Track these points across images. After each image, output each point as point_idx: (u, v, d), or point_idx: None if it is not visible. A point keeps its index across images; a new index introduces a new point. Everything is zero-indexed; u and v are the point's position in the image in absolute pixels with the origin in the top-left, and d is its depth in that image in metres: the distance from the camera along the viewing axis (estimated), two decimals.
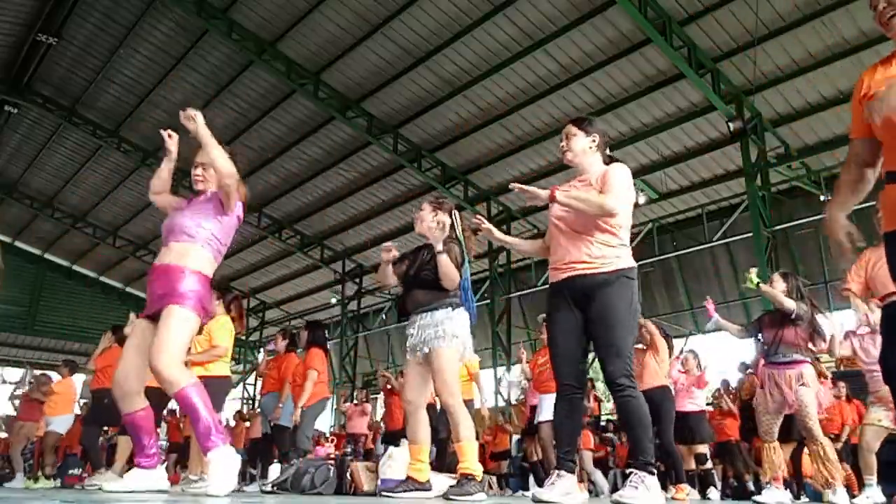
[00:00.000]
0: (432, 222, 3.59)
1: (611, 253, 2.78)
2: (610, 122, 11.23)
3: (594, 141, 2.97)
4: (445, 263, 3.37)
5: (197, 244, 2.87)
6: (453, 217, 3.63)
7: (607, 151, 3.03)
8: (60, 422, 7.69)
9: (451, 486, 3.28)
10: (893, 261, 1.90)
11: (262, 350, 21.21)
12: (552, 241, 2.96)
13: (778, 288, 4.65)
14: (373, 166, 13.94)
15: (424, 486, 3.38)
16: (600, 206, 2.74)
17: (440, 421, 6.56)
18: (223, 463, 2.60)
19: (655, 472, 2.69)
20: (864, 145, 2.02)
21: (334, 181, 14.64)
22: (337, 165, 14.07)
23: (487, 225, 3.10)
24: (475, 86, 11.27)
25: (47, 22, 12.36)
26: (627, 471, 2.76)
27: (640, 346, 6.20)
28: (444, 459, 7.01)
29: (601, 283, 2.75)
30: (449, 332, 3.34)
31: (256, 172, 14.96)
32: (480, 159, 13.02)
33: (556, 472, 2.82)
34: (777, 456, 4.68)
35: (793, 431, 5.69)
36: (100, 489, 2.98)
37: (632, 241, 10.92)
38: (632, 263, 2.84)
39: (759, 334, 4.77)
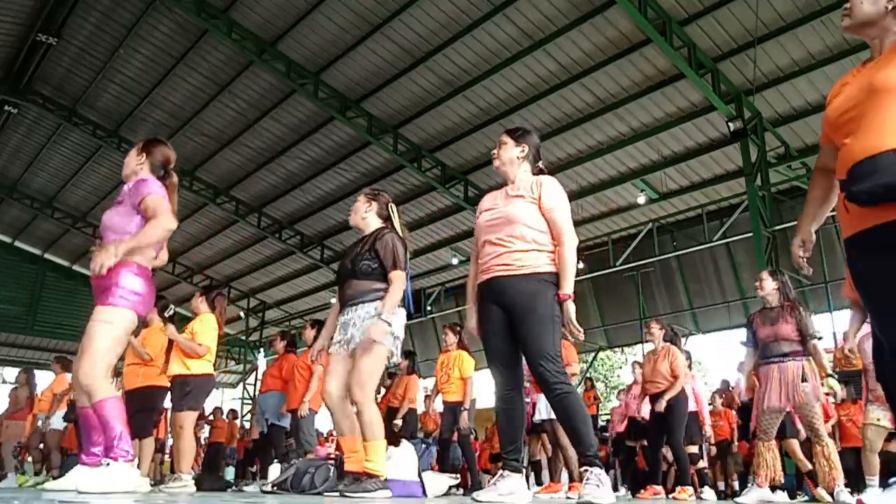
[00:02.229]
0: (365, 213, 3.57)
1: (526, 257, 2.82)
2: (610, 122, 11.25)
3: (523, 151, 3.02)
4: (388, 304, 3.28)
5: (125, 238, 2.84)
6: (391, 210, 3.58)
7: (539, 164, 3.08)
8: (58, 418, 7.65)
9: (350, 483, 3.23)
10: (852, 267, 1.93)
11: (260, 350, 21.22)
12: (480, 247, 3.00)
13: (768, 287, 4.76)
14: (373, 166, 13.94)
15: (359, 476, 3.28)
16: (574, 246, 2.87)
17: (444, 421, 6.59)
18: (115, 476, 2.63)
19: (602, 465, 2.72)
20: (829, 152, 2.07)
21: (334, 181, 14.64)
22: (337, 165, 14.06)
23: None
24: (475, 86, 11.27)
25: (47, 22, 12.36)
26: (581, 469, 2.75)
27: (651, 348, 6.21)
28: (447, 460, 7.03)
29: (517, 284, 2.79)
30: (391, 329, 3.24)
31: (256, 172, 14.99)
32: (480, 159, 13.01)
33: (500, 472, 2.85)
34: (773, 456, 4.68)
35: (787, 431, 5.71)
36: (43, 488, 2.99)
37: (631, 240, 10.95)
38: (551, 269, 2.85)
39: (753, 335, 4.80)
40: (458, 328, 6.72)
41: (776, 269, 5.03)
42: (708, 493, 6.00)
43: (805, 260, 2.18)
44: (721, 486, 8.31)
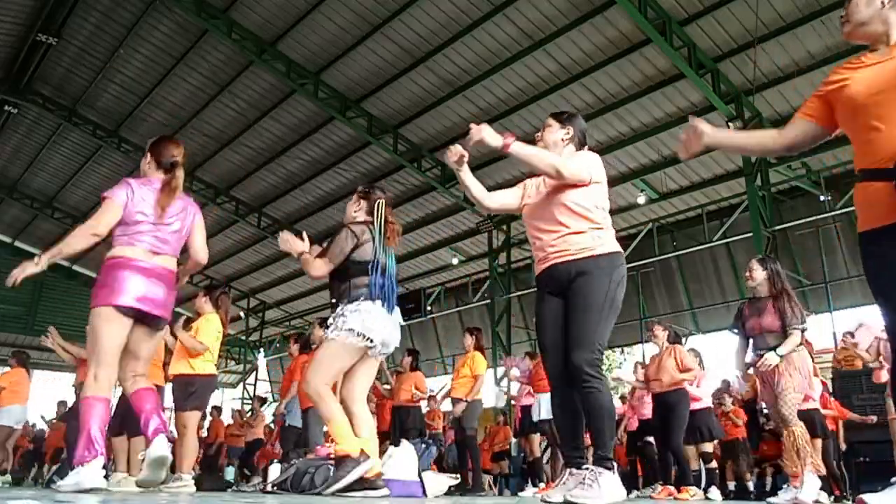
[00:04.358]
0: (354, 213, 3.54)
1: (584, 239, 2.74)
2: (610, 122, 11.24)
3: (568, 133, 2.95)
4: (305, 262, 3.41)
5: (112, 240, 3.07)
6: (376, 207, 3.51)
7: (585, 149, 2.99)
8: (9, 414, 7.58)
9: (328, 478, 3.19)
10: (867, 261, 1.88)
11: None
12: (531, 241, 2.96)
13: (758, 277, 4.53)
14: (373, 166, 13.94)
15: (375, 485, 3.19)
16: (552, 165, 2.68)
17: (459, 419, 6.73)
18: (83, 475, 2.76)
19: (613, 467, 2.60)
20: (803, 126, 2.07)
21: (334, 181, 14.64)
22: (337, 165, 14.06)
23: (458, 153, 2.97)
24: (475, 86, 11.27)
25: (47, 22, 12.36)
26: (584, 466, 2.64)
27: (656, 351, 6.22)
28: (464, 458, 7.08)
29: (575, 269, 2.71)
30: (346, 325, 3.23)
31: (256, 172, 14.99)
32: (480, 159, 12.98)
33: (567, 470, 2.71)
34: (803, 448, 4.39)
35: (816, 428, 5.68)
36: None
37: (631, 240, 10.94)
38: (611, 248, 2.77)
39: (742, 325, 4.59)
40: (475, 331, 6.96)
41: (765, 256, 4.84)
42: (714, 492, 6.01)
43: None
44: (732, 485, 8.29)
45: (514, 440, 12.06)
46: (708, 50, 9.60)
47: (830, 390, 7.89)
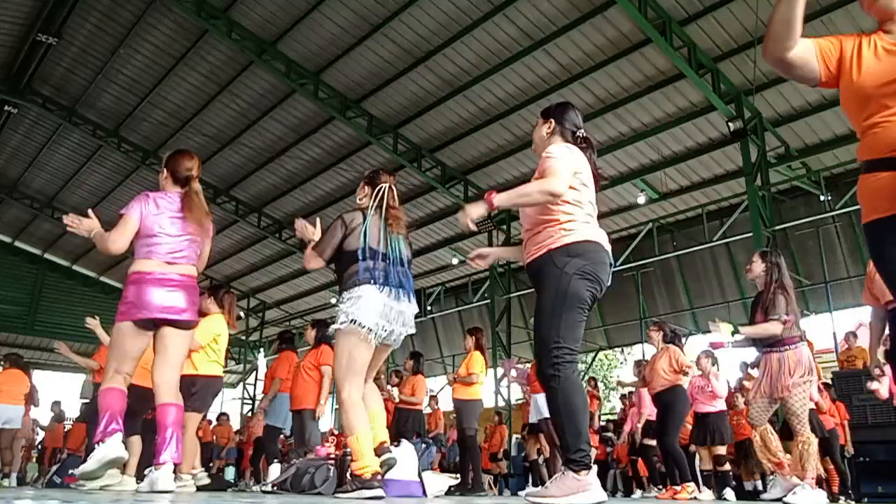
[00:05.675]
0: (360, 199, 3.53)
1: (542, 237, 2.68)
2: (610, 122, 11.25)
3: (549, 127, 2.91)
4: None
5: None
6: (376, 190, 3.44)
7: (578, 134, 2.92)
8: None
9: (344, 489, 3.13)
10: (874, 249, 1.84)
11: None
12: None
13: (756, 269, 4.47)
14: (373, 166, 13.88)
15: (370, 485, 3.03)
16: (543, 191, 2.59)
17: (459, 420, 6.75)
18: (105, 449, 3.00)
19: (579, 467, 2.47)
20: (810, 53, 1.87)
21: (334, 181, 14.64)
22: (337, 165, 14.07)
23: (479, 253, 3.01)
24: (475, 86, 11.27)
25: (47, 22, 12.35)
26: (562, 467, 2.57)
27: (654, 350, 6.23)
28: (465, 459, 7.10)
29: (535, 267, 2.71)
30: (342, 316, 3.16)
31: (256, 172, 14.99)
32: (480, 159, 13.02)
33: (562, 470, 2.66)
34: (771, 442, 4.44)
35: (815, 429, 5.65)
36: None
37: (631, 240, 10.91)
38: (571, 239, 2.63)
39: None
40: (475, 331, 6.97)
41: (769, 250, 4.78)
42: (728, 494, 6.01)
43: None
44: (748, 486, 8.30)
45: (515, 438, 12.08)
46: (708, 50, 9.60)
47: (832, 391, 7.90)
